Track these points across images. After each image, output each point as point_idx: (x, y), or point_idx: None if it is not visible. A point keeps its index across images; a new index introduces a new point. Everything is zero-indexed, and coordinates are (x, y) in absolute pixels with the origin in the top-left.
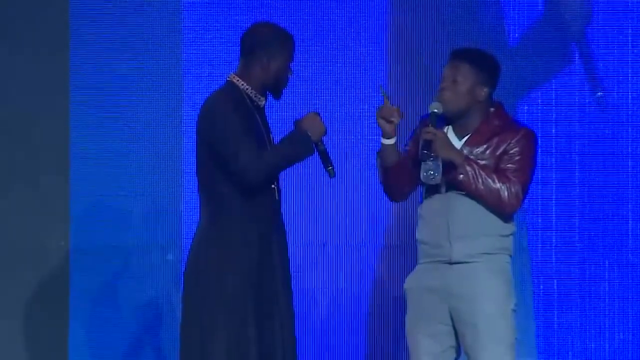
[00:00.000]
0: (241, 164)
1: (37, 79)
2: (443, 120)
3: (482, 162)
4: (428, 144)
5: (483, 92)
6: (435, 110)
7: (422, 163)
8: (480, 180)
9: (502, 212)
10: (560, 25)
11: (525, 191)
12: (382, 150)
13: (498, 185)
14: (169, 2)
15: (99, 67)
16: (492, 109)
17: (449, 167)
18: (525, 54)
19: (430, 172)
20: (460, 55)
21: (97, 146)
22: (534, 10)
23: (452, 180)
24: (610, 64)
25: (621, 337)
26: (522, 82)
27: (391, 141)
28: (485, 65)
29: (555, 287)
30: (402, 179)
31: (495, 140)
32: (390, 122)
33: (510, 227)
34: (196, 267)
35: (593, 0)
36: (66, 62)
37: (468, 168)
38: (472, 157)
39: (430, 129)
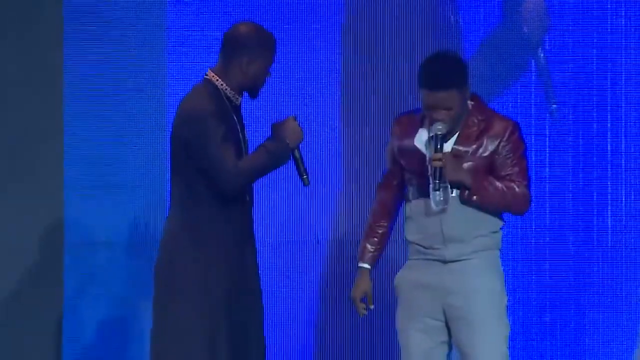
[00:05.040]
0: (219, 171)
1: (30, 78)
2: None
3: (470, 163)
4: (439, 172)
5: (469, 93)
6: (439, 132)
7: (432, 191)
8: (492, 198)
9: (516, 215)
10: (518, 37)
11: (530, 188)
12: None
13: (508, 197)
14: (155, 3)
15: (90, 68)
16: (471, 103)
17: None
18: (484, 57)
19: (441, 199)
20: (440, 84)
21: (90, 144)
22: (492, 14)
23: (464, 201)
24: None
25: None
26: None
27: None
28: (462, 76)
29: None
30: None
31: (483, 140)
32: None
33: (499, 223)
34: (171, 270)
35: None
36: (60, 62)
37: (479, 188)
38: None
39: (438, 155)
